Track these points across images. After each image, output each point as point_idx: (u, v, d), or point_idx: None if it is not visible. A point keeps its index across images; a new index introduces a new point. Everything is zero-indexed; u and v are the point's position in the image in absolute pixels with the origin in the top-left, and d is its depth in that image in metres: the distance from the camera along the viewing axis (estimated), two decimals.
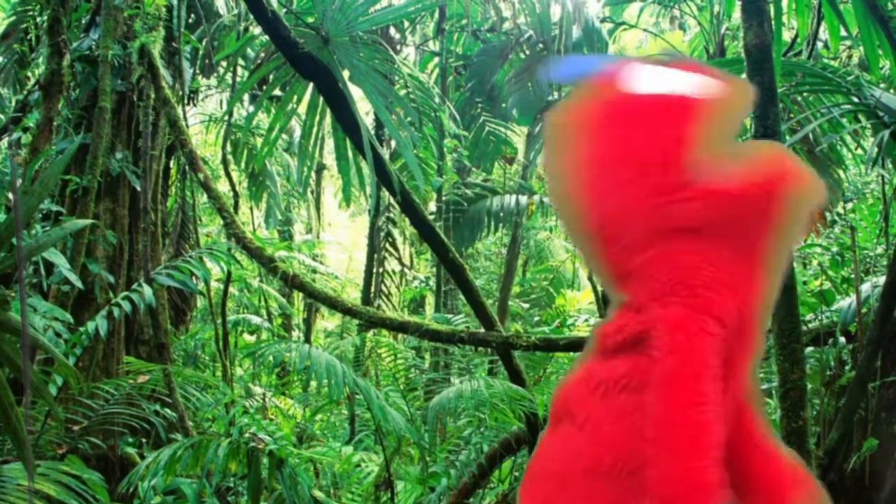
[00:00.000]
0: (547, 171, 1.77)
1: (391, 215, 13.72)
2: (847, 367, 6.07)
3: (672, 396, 1.55)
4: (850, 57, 9.45)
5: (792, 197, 1.64)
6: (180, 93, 9.06)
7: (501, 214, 13.28)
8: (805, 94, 6.56)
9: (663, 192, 1.64)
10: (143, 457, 6.58)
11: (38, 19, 9.45)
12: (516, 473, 7.85)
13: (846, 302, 6.31)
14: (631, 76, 1.72)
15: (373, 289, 13.63)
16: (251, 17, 8.83)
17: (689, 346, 1.57)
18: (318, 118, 7.05)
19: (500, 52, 12.90)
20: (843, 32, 6.49)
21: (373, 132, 8.22)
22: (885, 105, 5.32)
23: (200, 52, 10.73)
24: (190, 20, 10.61)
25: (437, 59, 13.69)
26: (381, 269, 13.81)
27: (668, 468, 1.51)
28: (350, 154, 7.14)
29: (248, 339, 14.33)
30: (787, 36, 8.34)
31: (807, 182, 1.68)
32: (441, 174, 11.68)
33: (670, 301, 1.63)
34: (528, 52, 13.08)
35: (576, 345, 7.64)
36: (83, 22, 8.70)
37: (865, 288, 6.12)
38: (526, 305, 15.56)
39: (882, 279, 5.55)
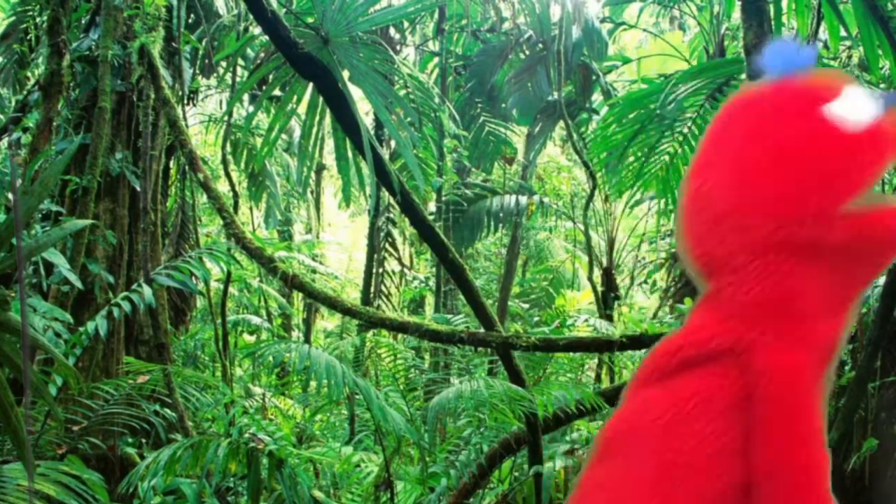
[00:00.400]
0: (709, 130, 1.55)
1: (391, 215, 13.73)
2: (847, 368, 6.08)
3: (787, 437, 1.47)
4: (849, 57, 9.44)
5: None
6: (180, 93, 9.07)
7: (501, 215, 13.29)
8: None
9: (816, 206, 1.51)
10: (142, 457, 6.58)
11: (38, 19, 9.46)
12: (516, 473, 7.85)
13: None
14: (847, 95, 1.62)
15: (372, 289, 13.63)
16: (251, 17, 8.84)
17: (797, 385, 1.48)
18: (317, 118, 7.05)
19: (499, 53, 12.91)
20: (842, 32, 6.50)
21: (372, 132, 8.21)
22: None
23: (200, 53, 10.73)
24: (190, 20, 10.61)
25: (436, 60, 13.71)
26: (380, 270, 13.82)
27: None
28: (350, 154, 7.13)
29: (248, 339, 14.33)
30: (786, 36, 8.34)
31: None
32: (441, 174, 11.69)
33: (772, 323, 1.52)
34: (527, 53, 13.09)
35: (575, 345, 7.64)
36: (83, 22, 8.70)
37: None
38: (526, 306, 15.57)
39: (881, 280, 5.56)
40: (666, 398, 1.58)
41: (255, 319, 13.19)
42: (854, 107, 1.55)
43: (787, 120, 1.57)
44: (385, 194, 10.38)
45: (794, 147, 1.55)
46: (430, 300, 15.36)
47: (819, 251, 1.51)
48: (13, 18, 10.00)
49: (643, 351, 8.65)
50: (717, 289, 1.60)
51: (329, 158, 15.86)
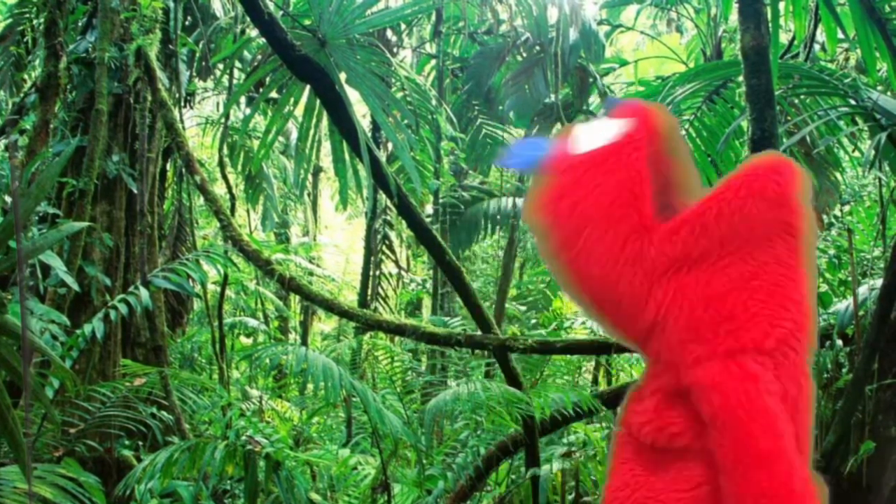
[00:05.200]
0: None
1: (388, 218, 13.72)
2: (844, 370, 6.08)
3: (741, 456, 1.38)
4: (847, 59, 9.46)
5: (789, 190, 1.48)
6: (177, 95, 9.06)
7: (498, 217, 13.29)
8: (802, 96, 6.56)
9: (644, 231, 1.50)
10: (139, 459, 6.57)
11: (35, 22, 9.44)
12: (513, 476, 7.84)
13: (843, 304, 6.32)
14: (575, 137, 1.62)
15: (369, 291, 13.61)
16: (248, 19, 8.83)
17: (738, 406, 1.39)
18: (314, 120, 7.05)
19: (496, 55, 12.91)
20: (840, 35, 6.51)
21: (369, 134, 8.21)
22: (882, 107, 5.33)
23: (197, 55, 10.73)
24: (187, 22, 10.60)
25: (433, 62, 13.69)
26: (377, 272, 13.80)
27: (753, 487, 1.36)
28: (347, 156, 7.13)
29: (245, 341, 14.32)
30: (784, 38, 8.36)
31: (796, 175, 1.51)
32: (438, 177, 11.69)
33: (701, 351, 1.44)
34: (524, 55, 13.09)
35: (573, 348, 7.64)
36: (80, 24, 8.69)
37: (862, 290, 6.13)
38: (523, 308, 15.55)
39: (879, 282, 5.56)
40: (653, 484, 1.53)
41: (252, 322, 13.19)
42: (591, 138, 1.59)
43: (566, 192, 1.58)
44: (382, 197, 10.39)
45: (582, 219, 1.55)
46: (427, 303, 15.34)
47: (692, 256, 1.48)
48: (10, 21, 9.98)
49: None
50: (654, 355, 1.57)
51: (326, 161, 15.86)
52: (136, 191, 8.12)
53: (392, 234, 14.27)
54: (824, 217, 8.04)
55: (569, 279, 1.62)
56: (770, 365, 1.43)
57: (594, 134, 1.60)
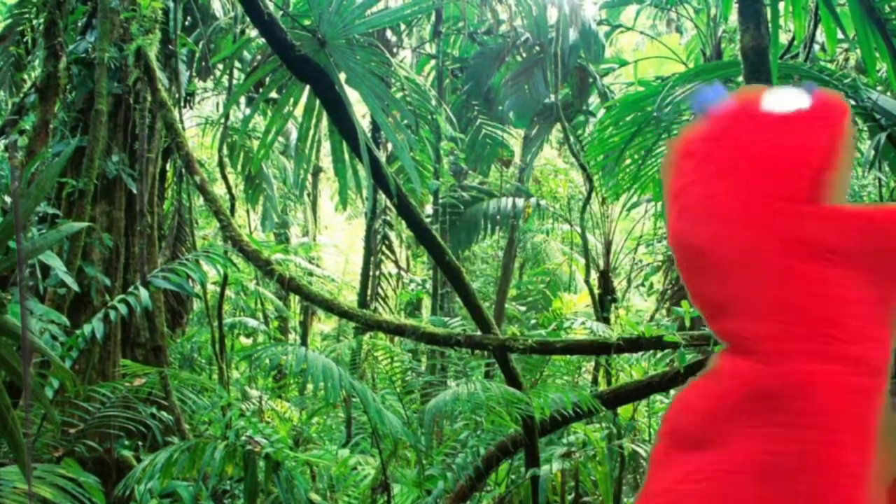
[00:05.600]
0: (665, 181, 1.41)
1: (388, 218, 13.71)
2: None
3: (823, 473, 1.29)
4: (846, 59, 9.46)
5: None
6: (177, 95, 9.06)
7: (498, 217, 13.29)
8: None
9: (802, 201, 1.40)
10: (139, 460, 6.57)
11: (35, 22, 9.44)
12: (513, 476, 7.84)
13: None
14: (771, 94, 1.55)
15: (369, 291, 13.61)
16: (247, 19, 8.83)
17: (838, 411, 1.31)
18: (314, 121, 7.04)
19: (496, 55, 12.92)
20: (839, 35, 6.50)
21: (369, 135, 8.21)
22: (882, 108, 5.33)
23: (197, 55, 10.73)
24: (186, 23, 10.60)
25: (433, 62, 13.69)
26: (377, 272, 13.79)
27: None
28: (346, 157, 7.12)
29: (245, 341, 14.32)
30: (783, 38, 8.35)
31: None
32: (437, 177, 11.69)
33: (811, 348, 1.35)
34: (524, 55, 13.10)
35: (572, 348, 7.63)
36: (79, 24, 8.69)
37: None
38: (523, 308, 15.57)
39: None
40: (710, 459, 1.39)
41: (252, 322, 13.20)
42: (783, 100, 1.49)
43: (733, 135, 1.49)
44: (382, 197, 10.38)
45: (751, 152, 1.46)
46: (426, 303, 15.33)
47: (829, 254, 1.39)
48: (10, 21, 9.98)
49: (640, 353, 8.66)
50: (740, 332, 1.44)
51: (326, 161, 15.86)
52: (135, 191, 8.12)
53: (392, 234, 14.26)
54: None
55: (699, 209, 1.50)
56: (875, 388, 1.37)
57: (790, 98, 1.54)
